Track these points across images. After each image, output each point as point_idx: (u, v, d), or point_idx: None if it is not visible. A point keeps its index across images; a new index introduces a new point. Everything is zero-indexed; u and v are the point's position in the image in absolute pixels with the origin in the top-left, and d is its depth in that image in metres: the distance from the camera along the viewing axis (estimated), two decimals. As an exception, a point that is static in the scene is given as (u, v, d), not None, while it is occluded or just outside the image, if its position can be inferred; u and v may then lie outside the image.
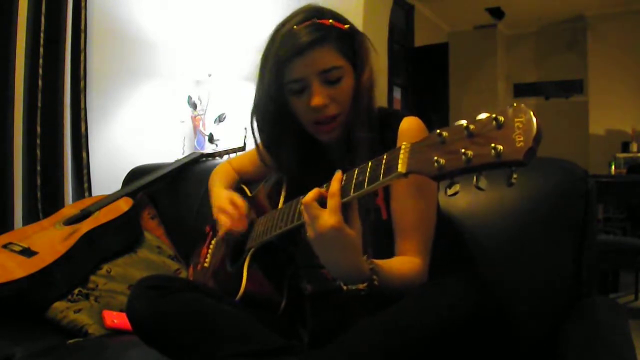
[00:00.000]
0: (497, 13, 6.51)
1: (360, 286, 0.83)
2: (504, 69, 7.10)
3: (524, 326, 1.09)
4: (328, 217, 0.79)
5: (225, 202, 1.17)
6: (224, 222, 1.14)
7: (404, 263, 0.96)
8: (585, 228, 1.11)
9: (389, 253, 0.99)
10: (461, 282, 0.86)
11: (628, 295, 3.72)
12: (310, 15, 1.00)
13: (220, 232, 1.15)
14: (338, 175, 0.82)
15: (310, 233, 0.82)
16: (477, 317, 0.82)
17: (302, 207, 0.83)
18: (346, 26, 1.02)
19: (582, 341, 0.92)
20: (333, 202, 0.79)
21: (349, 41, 1.02)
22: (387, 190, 1.02)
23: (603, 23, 6.25)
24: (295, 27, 0.99)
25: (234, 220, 1.13)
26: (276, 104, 1.04)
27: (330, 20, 1.00)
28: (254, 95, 1.08)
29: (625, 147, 5.84)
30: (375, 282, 0.84)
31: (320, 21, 0.99)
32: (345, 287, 0.85)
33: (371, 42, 1.07)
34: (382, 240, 1.00)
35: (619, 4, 5.91)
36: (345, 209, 0.80)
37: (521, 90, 7.03)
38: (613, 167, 5.45)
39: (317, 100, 0.99)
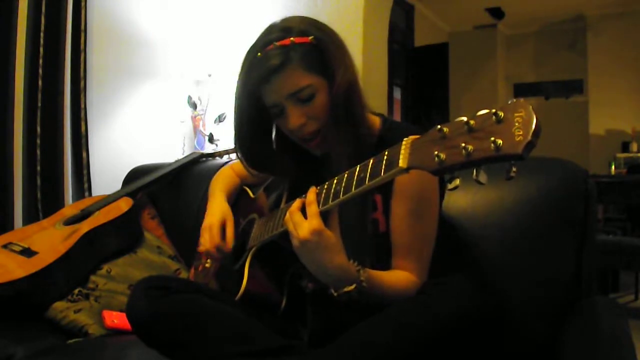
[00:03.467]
0: (497, 13, 6.51)
1: (349, 288, 0.87)
2: (504, 69, 7.10)
3: (524, 326, 1.09)
4: (308, 223, 0.85)
5: (216, 225, 1.15)
6: (204, 242, 1.14)
7: (397, 275, 0.97)
8: (585, 228, 1.11)
9: (386, 265, 1.00)
10: (462, 282, 0.87)
11: (628, 295, 3.72)
12: (272, 39, 0.98)
13: (199, 249, 1.16)
14: (313, 188, 0.89)
15: (295, 243, 0.87)
16: (478, 316, 0.82)
17: (287, 216, 0.88)
18: (310, 38, 0.98)
19: (582, 341, 0.92)
20: (311, 209, 0.86)
21: (315, 54, 0.98)
22: (386, 203, 1.01)
23: (603, 23, 6.24)
24: (259, 53, 0.98)
25: (213, 247, 1.13)
26: (261, 123, 1.05)
27: (292, 39, 0.97)
28: (234, 120, 1.06)
29: (625, 147, 5.83)
30: (364, 284, 0.87)
31: (281, 43, 0.96)
32: (335, 293, 0.88)
33: (344, 45, 1.03)
34: (379, 252, 1.00)
35: (619, 4, 5.91)
36: (325, 216, 0.86)
37: (521, 90, 7.02)
38: (613, 167, 5.45)
39: (292, 122, 0.99)
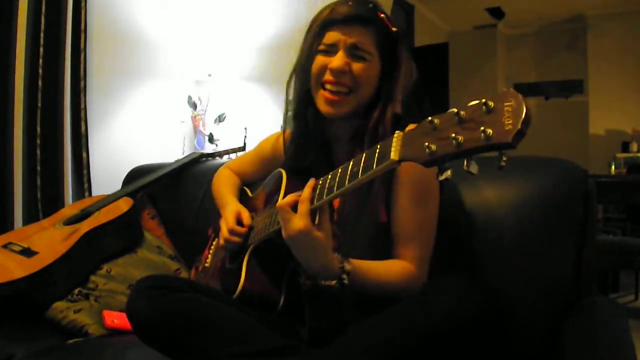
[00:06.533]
0: (497, 13, 6.51)
1: (332, 283, 0.89)
2: (504, 69, 7.10)
3: (524, 326, 1.09)
4: (297, 221, 0.86)
5: (231, 215, 1.18)
6: (223, 231, 1.16)
7: (392, 268, 0.97)
8: (585, 228, 1.11)
9: (386, 254, 1.00)
10: (462, 282, 0.87)
11: (628, 295, 3.72)
12: (368, 0, 1.07)
13: (220, 241, 1.18)
14: (311, 182, 0.89)
15: (283, 234, 0.89)
16: (478, 317, 0.82)
17: (277, 210, 0.89)
18: (394, 29, 1.07)
19: (582, 341, 0.92)
20: (302, 207, 0.86)
21: (390, 41, 1.06)
22: (387, 193, 1.02)
23: (603, 23, 6.25)
24: (350, 2, 1.05)
25: (229, 232, 1.15)
26: (309, 64, 1.08)
27: (383, 15, 1.06)
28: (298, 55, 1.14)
29: (625, 147, 5.83)
30: (345, 281, 0.88)
31: (375, 9, 1.06)
32: (320, 283, 0.90)
33: (414, 66, 1.09)
34: (379, 242, 1.01)
35: (619, 4, 5.91)
36: (316, 212, 0.87)
37: (521, 90, 6.79)
38: (613, 167, 5.45)
39: (337, 62, 1.03)
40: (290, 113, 1.17)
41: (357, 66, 1.03)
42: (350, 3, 1.05)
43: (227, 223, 1.16)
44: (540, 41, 6.99)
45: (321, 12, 1.09)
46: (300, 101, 1.13)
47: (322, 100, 1.07)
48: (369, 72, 1.04)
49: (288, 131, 1.21)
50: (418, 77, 1.08)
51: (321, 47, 1.06)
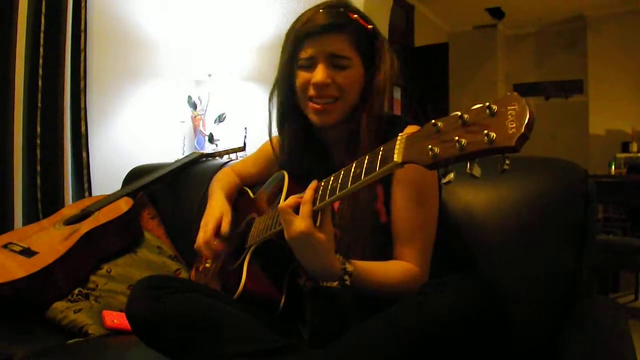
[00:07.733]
0: (497, 13, 6.51)
1: (334, 284, 0.89)
2: (504, 69, 7.09)
3: (523, 326, 1.09)
4: (299, 223, 0.86)
5: (212, 222, 1.17)
6: (197, 239, 1.17)
7: (393, 268, 0.98)
8: (585, 228, 1.11)
9: (387, 255, 1.00)
10: (462, 282, 0.87)
11: (628, 295, 3.72)
12: (340, 5, 1.05)
13: (195, 245, 1.18)
14: (313, 184, 0.89)
15: (286, 235, 0.89)
16: (477, 316, 0.82)
17: (279, 212, 0.90)
18: (370, 26, 1.06)
19: (582, 341, 0.92)
20: (304, 209, 0.87)
21: (367, 40, 1.05)
22: (387, 194, 1.02)
23: (603, 23, 6.24)
24: (321, 10, 1.04)
25: (206, 245, 1.15)
26: (290, 79, 1.08)
27: (355, 16, 1.05)
28: (277, 70, 1.13)
29: (625, 147, 5.83)
30: (347, 282, 0.89)
31: (346, 11, 1.04)
32: (321, 284, 0.91)
33: (394, 53, 1.08)
34: (379, 242, 1.01)
35: (619, 4, 5.91)
36: (318, 213, 0.87)
37: (521, 90, 6.90)
38: (613, 167, 5.45)
39: (319, 76, 1.02)
40: (275, 125, 1.17)
41: (340, 76, 1.03)
42: (321, 11, 1.04)
43: (204, 232, 1.16)
44: (540, 41, 6.99)
45: (294, 24, 1.07)
46: (284, 116, 1.14)
47: (311, 112, 1.07)
48: (352, 79, 1.04)
49: (275, 139, 1.21)
50: (398, 68, 1.08)
51: (300, 62, 1.05)
